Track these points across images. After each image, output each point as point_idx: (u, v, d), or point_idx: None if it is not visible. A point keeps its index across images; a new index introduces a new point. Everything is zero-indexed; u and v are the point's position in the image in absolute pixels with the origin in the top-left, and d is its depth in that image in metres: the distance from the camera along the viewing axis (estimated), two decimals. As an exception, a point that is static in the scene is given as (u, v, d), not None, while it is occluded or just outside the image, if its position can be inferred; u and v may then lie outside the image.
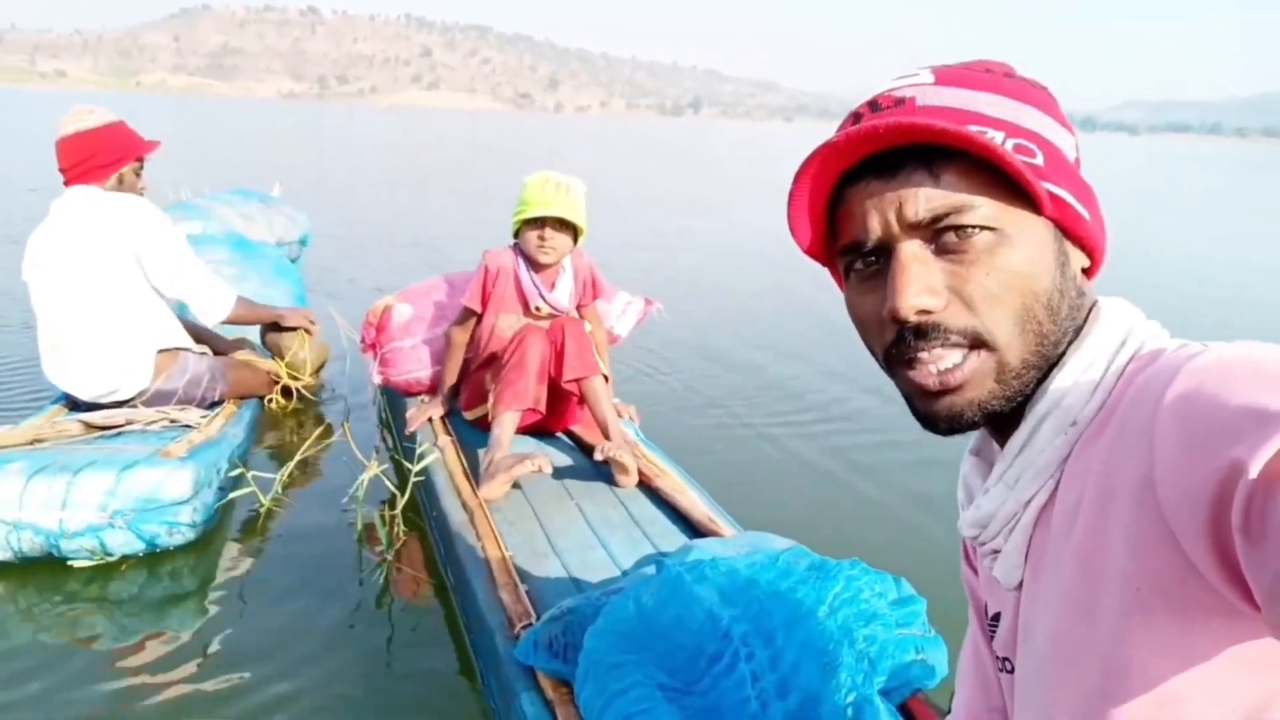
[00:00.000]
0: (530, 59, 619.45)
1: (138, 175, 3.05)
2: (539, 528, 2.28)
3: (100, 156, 2.93)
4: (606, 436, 2.63)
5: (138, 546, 2.37)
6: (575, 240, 2.84)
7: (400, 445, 3.12)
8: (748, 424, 3.88)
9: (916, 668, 1.53)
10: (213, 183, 5.73)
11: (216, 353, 3.26)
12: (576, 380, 2.66)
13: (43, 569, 2.33)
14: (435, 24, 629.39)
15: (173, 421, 2.82)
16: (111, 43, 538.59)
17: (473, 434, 2.86)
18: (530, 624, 1.77)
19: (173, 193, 5.82)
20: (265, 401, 3.38)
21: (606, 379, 2.79)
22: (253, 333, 3.60)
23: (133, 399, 2.93)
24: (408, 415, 3.02)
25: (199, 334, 3.24)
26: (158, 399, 2.96)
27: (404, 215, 10.95)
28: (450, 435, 2.87)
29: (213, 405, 3.09)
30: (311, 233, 5.69)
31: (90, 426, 2.69)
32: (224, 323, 3.15)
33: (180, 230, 3.07)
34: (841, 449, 3.63)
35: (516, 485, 2.47)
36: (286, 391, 3.43)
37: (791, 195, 0.68)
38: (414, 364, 3.16)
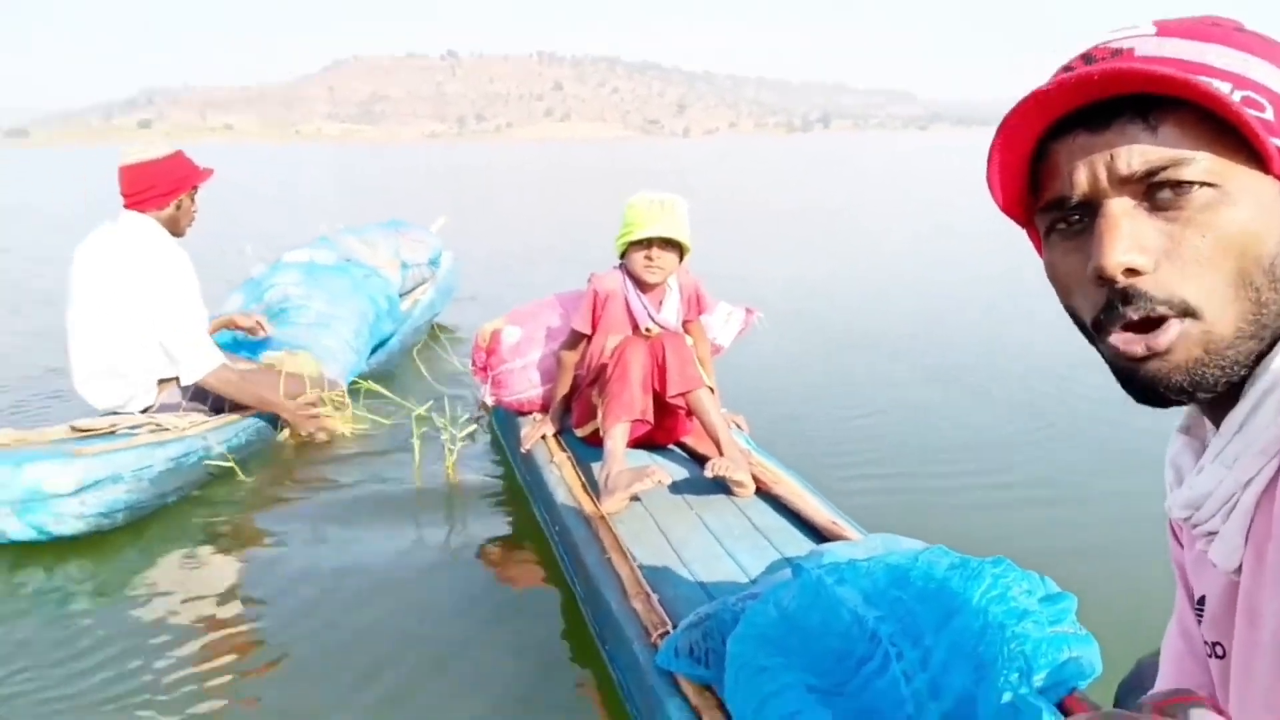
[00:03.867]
0: (658, 85, 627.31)
1: (192, 200, 3.32)
2: (663, 539, 2.31)
3: (161, 185, 3.19)
4: (719, 448, 2.65)
5: (30, 534, 2.66)
6: (681, 258, 2.89)
7: (514, 462, 3.24)
8: (860, 422, 3.91)
9: (1070, 666, 1.48)
10: (372, 219, 6.25)
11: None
12: (682, 394, 2.70)
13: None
14: (566, 58, 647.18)
15: (157, 426, 3.04)
16: (273, 96, 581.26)
17: (586, 450, 2.93)
18: (667, 632, 1.80)
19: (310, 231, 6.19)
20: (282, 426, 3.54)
21: (712, 390, 2.83)
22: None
23: (140, 411, 3.18)
24: (522, 434, 3.11)
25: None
26: (163, 409, 3.21)
27: (533, 237, 11.41)
28: (565, 451, 2.94)
29: (232, 409, 3.34)
30: (443, 253, 5.96)
31: (76, 429, 2.94)
32: (210, 388, 3.25)
33: (191, 282, 3.23)
34: (956, 444, 3.60)
35: (635, 498, 2.52)
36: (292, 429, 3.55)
37: (993, 148, 0.65)
38: (524, 384, 3.26)
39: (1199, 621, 0.76)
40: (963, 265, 8.65)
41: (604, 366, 2.82)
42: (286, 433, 3.61)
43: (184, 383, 3.27)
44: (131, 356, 3.17)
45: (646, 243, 2.81)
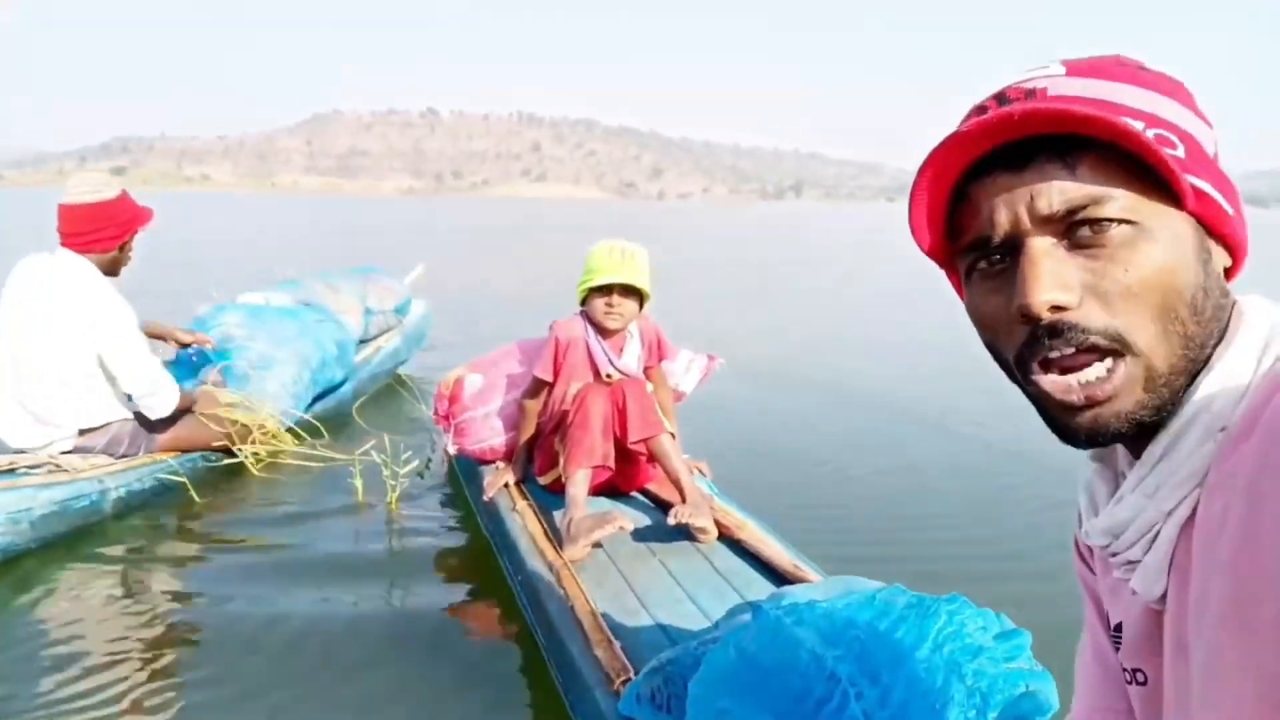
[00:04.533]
0: (635, 149, 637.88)
1: (131, 243, 3.25)
2: (625, 585, 2.30)
3: (111, 228, 3.11)
4: (681, 494, 2.65)
5: None
6: (641, 305, 2.92)
7: (477, 512, 3.20)
8: (820, 468, 3.95)
9: (1027, 701, 1.49)
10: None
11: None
12: (643, 440, 2.70)
13: None
14: (545, 120, 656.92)
15: (56, 467, 3.03)
16: (251, 147, 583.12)
17: (549, 498, 2.91)
18: (629, 678, 1.79)
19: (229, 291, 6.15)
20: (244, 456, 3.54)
21: (674, 436, 2.84)
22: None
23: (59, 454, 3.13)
24: (485, 483, 3.08)
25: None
26: (82, 451, 3.18)
27: (507, 287, 11.51)
28: (527, 499, 2.93)
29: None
30: (413, 302, 5.95)
31: None
32: (161, 433, 3.32)
33: (134, 323, 3.24)
34: (918, 486, 3.66)
35: (598, 545, 2.50)
36: (228, 451, 3.56)
37: (913, 193, 0.66)
38: (487, 432, 3.24)
39: (1116, 647, 0.76)
40: (921, 317, 8.92)
41: (566, 413, 2.82)
42: (244, 454, 3.60)
43: (154, 416, 3.28)
44: (59, 401, 3.10)
45: (607, 289, 2.83)
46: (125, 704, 2.10)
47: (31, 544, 2.88)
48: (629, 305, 2.86)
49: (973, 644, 1.52)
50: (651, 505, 2.93)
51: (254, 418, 3.68)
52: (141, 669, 2.27)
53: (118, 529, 3.13)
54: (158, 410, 3.28)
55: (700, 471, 3.11)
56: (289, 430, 3.89)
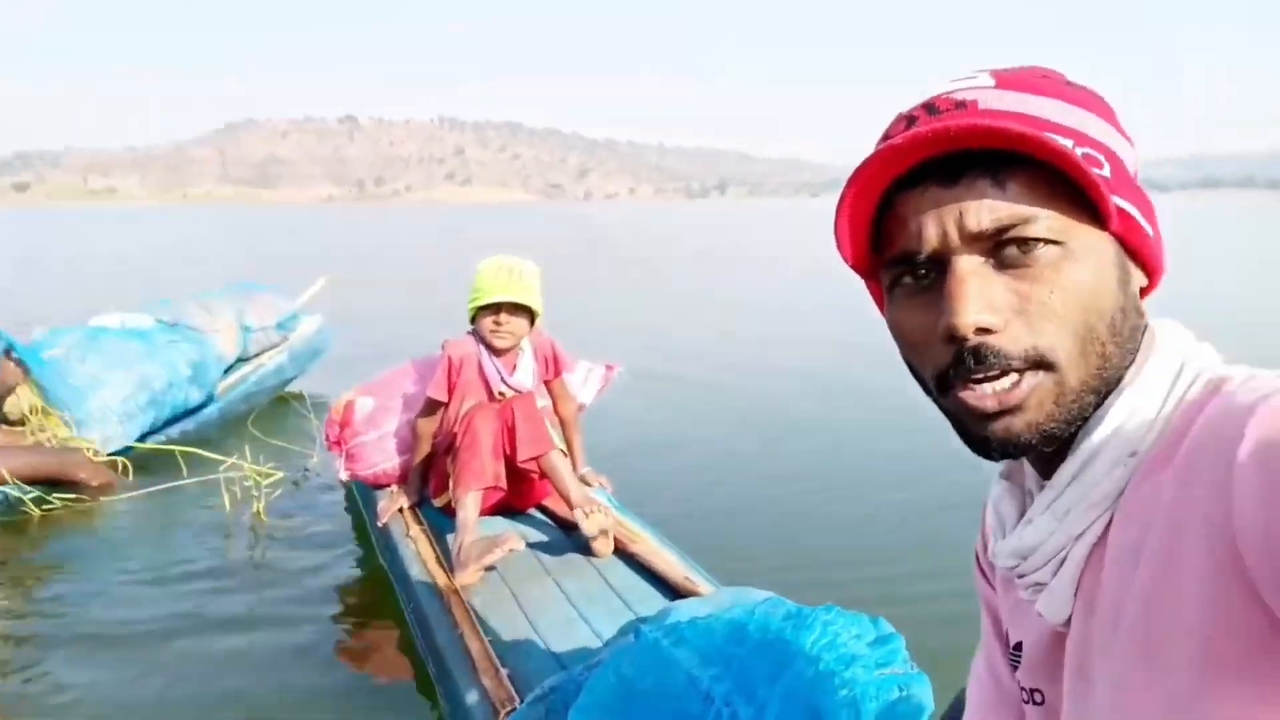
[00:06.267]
0: (560, 151, 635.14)
1: None
2: (518, 608, 2.27)
3: None
4: (571, 510, 2.62)
5: None
6: (531, 323, 2.89)
7: (373, 537, 3.13)
8: (718, 475, 3.99)
9: (901, 706, 1.51)
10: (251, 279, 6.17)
11: None
12: (533, 459, 2.67)
13: None
14: (468, 123, 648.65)
15: None
16: (161, 158, 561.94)
17: (444, 520, 2.85)
18: (514, 708, 1.76)
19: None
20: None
21: (568, 452, 2.82)
22: None
23: None
24: (379, 508, 3.01)
25: None
26: None
27: (415, 300, 11.31)
28: (421, 524, 2.86)
29: None
30: (305, 317, 5.83)
31: None
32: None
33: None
34: (807, 489, 3.74)
35: (491, 568, 2.46)
36: (39, 500, 3.50)
37: (841, 203, 0.64)
38: (380, 456, 3.16)
39: (1014, 666, 0.75)
40: (835, 320, 8.99)
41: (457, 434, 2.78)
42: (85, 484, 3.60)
43: None
44: None
45: (495, 308, 2.80)
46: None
47: None
48: (518, 323, 2.83)
49: (847, 653, 1.54)
50: (547, 522, 2.90)
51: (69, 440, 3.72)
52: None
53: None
54: None
55: (602, 485, 3.09)
56: (110, 458, 3.87)
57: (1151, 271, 0.67)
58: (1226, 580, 0.51)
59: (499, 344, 2.83)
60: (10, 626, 2.58)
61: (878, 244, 0.66)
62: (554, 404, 3.06)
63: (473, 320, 2.88)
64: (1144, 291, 0.67)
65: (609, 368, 3.51)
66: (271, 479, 3.44)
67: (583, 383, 3.39)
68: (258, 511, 3.34)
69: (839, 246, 0.66)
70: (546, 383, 3.02)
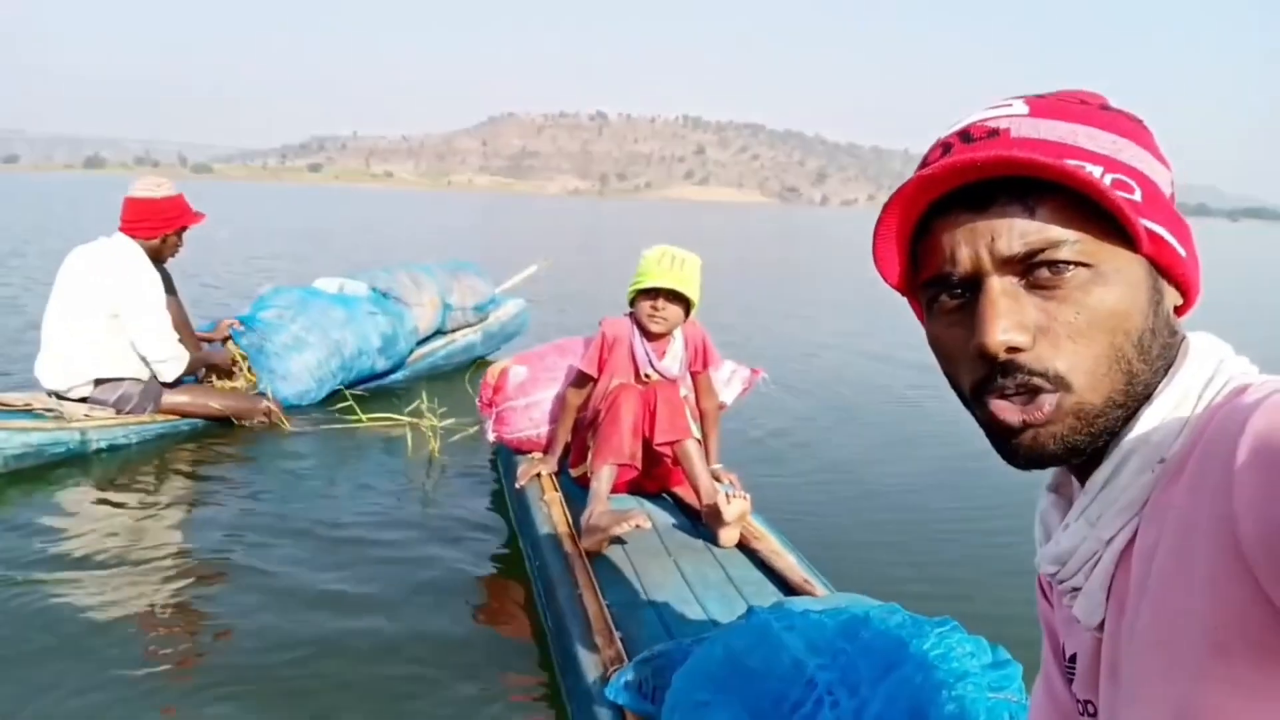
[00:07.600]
0: (799, 154, 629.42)
1: (179, 237, 3.94)
2: (636, 580, 2.34)
3: (153, 221, 3.81)
4: (699, 499, 2.68)
5: None
6: (687, 312, 2.94)
7: (509, 498, 3.30)
8: (851, 488, 3.93)
9: None
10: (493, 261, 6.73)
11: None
12: (669, 444, 2.73)
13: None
14: (710, 123, 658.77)
15: (56, 413, 3.60)
16: (431, 147, 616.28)
17: (577, 490, 2.97)
18: (621, 667, 1.84)
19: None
20: (244, 423, 4.10)
21: (704, 442, 2.84)
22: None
23: (77, 400, 3.70)
24: (519, 470, 3.17)
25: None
26: (95, 402, 3.73)
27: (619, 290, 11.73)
28: (557, 491, 2.99)
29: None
30: (507, 301, 6.24)
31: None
32: (169, 397, 3.90)
33: (162, 300, 3.82)
34: (942, 509, 3.61)
35: (617, 540, 2.54)
36: (227, 420, 4.10)
37: (879, 228, 0.68)
38: (526, 423, 3.32)
39: (1070, 680, 0.76)
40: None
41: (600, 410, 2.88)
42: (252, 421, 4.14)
43: (166, 379, 3.89)
44: (83, 352, 3.68)
45: (654, 293, 2.88)
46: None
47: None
48: (674, 310, 2.89)
49: (960, 668, 1.52)
50: (675, 507, 2.96)
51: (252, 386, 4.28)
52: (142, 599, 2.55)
53: (103, 477, 3.52)
54: (165, 375, 3.86)
55: (730, 483, 3.08)
56: (286, 409, 4.33)
57: (1187, 290, 0.68)
58: (1231, 572, 0.53)
59: (653, 328, 2.90)
60: (232, 517, 3.14)
61: (915, 265, 0.70)
62: (696, 397, 3.11)
63: (632, 303, 2.97)
64: (1181, 309, 0.69)
65: (754, 371, 3.54)
66: (440, 426, 3.88)
67: (726, 382, 3.43)
68: (433, 451, 3.80)
69: (879, 268, 0.70)
70: (693, 374, 3.08)
